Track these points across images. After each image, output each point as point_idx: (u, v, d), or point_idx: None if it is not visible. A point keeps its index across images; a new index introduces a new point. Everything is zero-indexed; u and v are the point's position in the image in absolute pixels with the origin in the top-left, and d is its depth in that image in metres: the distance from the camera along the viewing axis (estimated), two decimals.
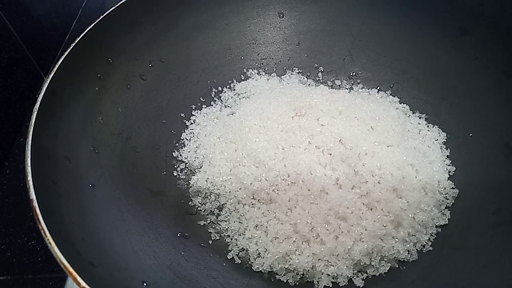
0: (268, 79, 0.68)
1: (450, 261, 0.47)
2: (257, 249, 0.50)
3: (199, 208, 0.56)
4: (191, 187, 0.57)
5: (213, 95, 0.66)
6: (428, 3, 0.60)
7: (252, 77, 0.68)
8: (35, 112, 0.43)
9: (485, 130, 0.54)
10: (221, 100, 0.66)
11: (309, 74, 0.69)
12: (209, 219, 0.55)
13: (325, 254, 0.48)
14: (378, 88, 0.66)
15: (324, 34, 0.68)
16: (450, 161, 0.56)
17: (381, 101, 0.63)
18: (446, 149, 0.57)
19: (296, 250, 0.49)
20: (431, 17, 0.60)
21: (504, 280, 0.40)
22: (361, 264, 0.48)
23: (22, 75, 0.71)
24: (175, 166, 0.59)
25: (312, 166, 0.51)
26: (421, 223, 0.50)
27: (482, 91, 0.56)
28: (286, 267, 0.49)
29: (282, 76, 0.69)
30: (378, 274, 0.49)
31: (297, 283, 0.49)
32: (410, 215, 0.49)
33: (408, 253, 0.49)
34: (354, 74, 0.68)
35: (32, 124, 0.42)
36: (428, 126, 0.60)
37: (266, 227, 0.51)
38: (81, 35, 0.51)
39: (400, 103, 0.63)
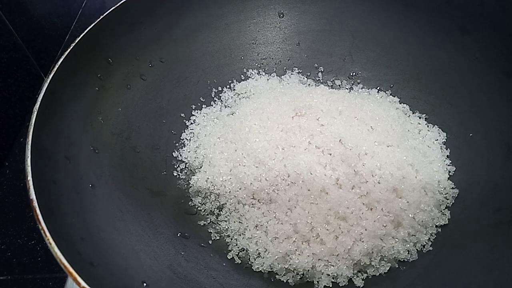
0: (268, 79, 0.68)
1: (450, 261, 0.47)
2: (257, 249, 0.50)
3: (199, 208, 0.56)
4: (191, 187, 0.57)
5: (213, 95, 0.66)
6: (428, 3, 0.60)
7: (252, 77, 0.68)
8: (35, 112, 0.43)
9: (485, 130, 0.54)
10: (221, 100, 0.66)
11: (309, 74, 0.69)
12: (209, 219, 0.55)
13: (325, 254, 0.48)
14: (378, 88, 0.66)
15: (324, 34, 0.68)
16: (450, 161, 0.56)
17: (381, 101, 0.63)
18: (446, 149, 0.57)
19: (296, 250, 0.49)
20: (431, 17, 0.60)
21: (504, 280, 0.40)
22: (361, 264, 0.48)
23: (22, 75, 0.71)
24: (175, 166, 0.59)
25: (312, 166, 0.51)
26: (421, 223, 0.50)
27: (482, 91, 0.56)
28: (286, 267, 0.49)
29: (282, 76, 0.69)
30: (378, 274, 0.49)
31: (297, 283, 0.49)
32: (410, 215, 0.49)
33: (408, 253, 0.49)
34: (354, 74, 0.68)
35: (32, 124, 0.42)
36: (428, 126, 0.60)
37: (266, 227, 0.51)
38: (81, 35, 0.51)
39: (400, 103, 0.63)
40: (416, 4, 0.61)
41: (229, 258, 0.51)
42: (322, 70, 0.69)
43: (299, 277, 0.49)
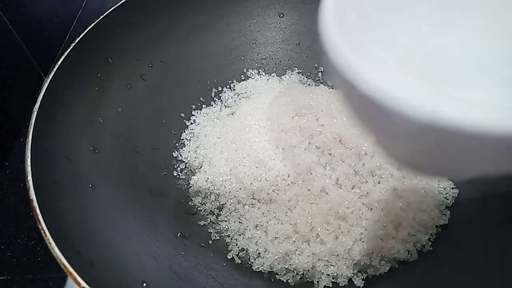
0: (268, 79, 0.68)
1: (450, 261, 0.47)
2: (257, 249, 0.50)
3: (199, 208, 0.56)
4: (191, 187, 0.57)
5: (213, 95, 0.66)
6: None
7: (252, 77, 0.68)
8: (35, 112, 0.43)
9: None
10: (221, 100, 0.66)
11: (309, 74, 0.69)
12: (209, 219, 0.55)
13: (325, 254, 0.48)
14: None
15: None
16: None
17: None
18: None
19: (296, 250, 0.49)
20: None
21: (504, 280, 0.40)
22: (361, 264, 0.48)
23: (22, 75, 0.71)
24: (175, 166, 0.59)
25: (312, 166, 0.51)
26: (421, 223, 0.50)
27: None
28: (286, 267, 0.49)
29: (282, 76, 0.69)
30: (378, 274, 0.49)
31: (297, 283, 0.49)
32: (410, 215, 0.49)
33: (408, 253, 0.49)
34: None
35: (32, 124, 0.42)
36: None
37: (266, 227, 0.51)
38: (81, 35, 0.51)
39: None
40: None
41: (229, 258, 0.51)
42: (322, 70, 0.69)
43: (299, 277, 0.49)
